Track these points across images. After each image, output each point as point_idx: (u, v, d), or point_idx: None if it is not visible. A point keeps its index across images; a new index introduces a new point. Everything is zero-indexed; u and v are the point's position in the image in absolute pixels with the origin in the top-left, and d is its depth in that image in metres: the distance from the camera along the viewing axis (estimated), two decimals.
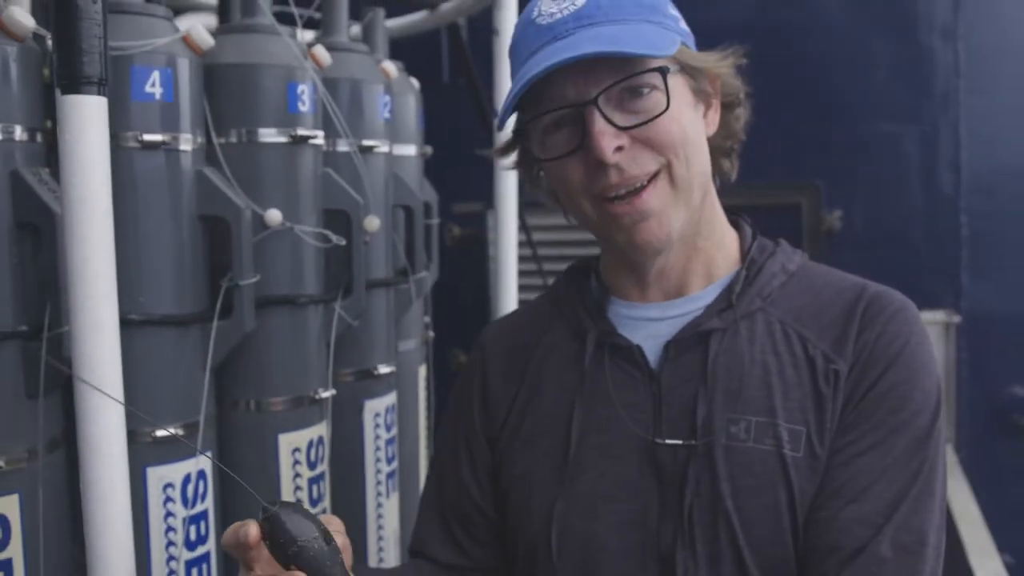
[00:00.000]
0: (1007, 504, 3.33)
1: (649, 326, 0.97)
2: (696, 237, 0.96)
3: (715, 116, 0.97)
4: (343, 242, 1.46)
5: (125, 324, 1.09)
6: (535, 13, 0.92)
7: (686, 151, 0.89)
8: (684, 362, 0.93)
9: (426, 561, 1.07)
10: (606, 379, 0.95)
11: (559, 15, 0.89)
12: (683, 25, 0.96)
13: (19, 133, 1.15)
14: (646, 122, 0.88)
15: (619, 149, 0.88)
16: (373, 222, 1.55)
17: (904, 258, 3.45)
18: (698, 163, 0.92)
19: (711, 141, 0.96)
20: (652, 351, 0.95)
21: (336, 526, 0.84)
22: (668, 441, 0.91)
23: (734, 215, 1.03)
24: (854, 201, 3.49)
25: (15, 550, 1.16)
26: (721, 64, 0.95)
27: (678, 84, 0.91)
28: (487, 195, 2.81)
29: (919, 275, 3.46)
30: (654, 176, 0.89)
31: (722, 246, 0.98)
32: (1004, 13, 3.46)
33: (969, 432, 3.46)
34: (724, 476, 0.88)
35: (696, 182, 0.91)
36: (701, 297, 0.96)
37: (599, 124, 0.87)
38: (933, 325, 3.43)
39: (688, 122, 0.91)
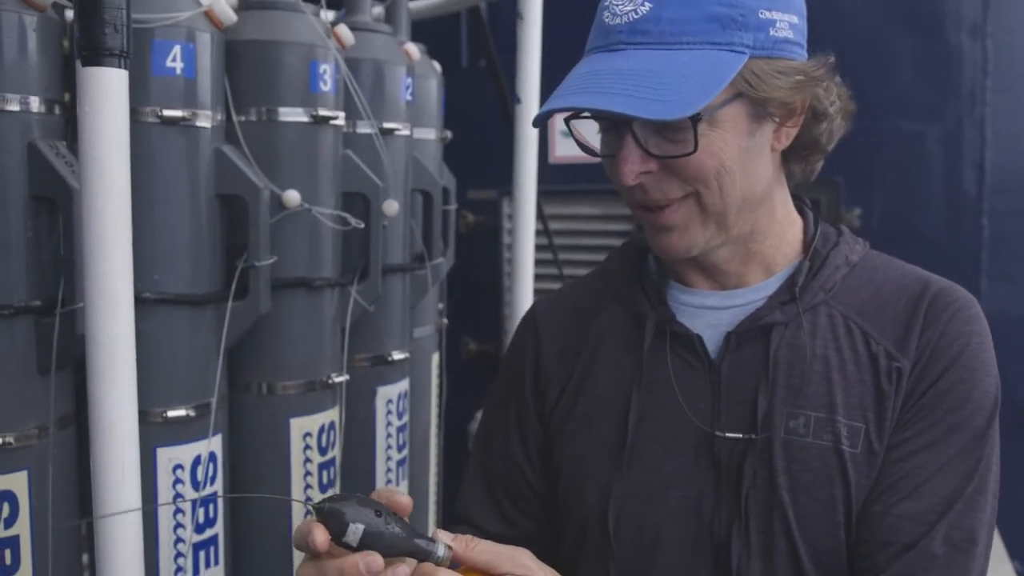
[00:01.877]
0: (1020, 509, 3.30)
1: (709, 315, 0.95)
2: (749, 242, 0.93)
3: (790, 130, 0.90)
4: (361, 225, 1.44)
5: (139, 302, 1.08)
6: (608, 2, 0.88)
7: (720, 181, 0.86)
8: (745, 354, 0.92)
9: (472, 528, 1.05)
10: (666, 367, 0.94)
11: (619, 19, 0.85)
12: (775, 27, 0.86)
13: (36, 105, 1.13)
14: (673, 157, 0.84)
15: (646, 173, 0.85)
16: (392, 206, 1.53)
17: (923, 258, 3.33)
18: (741, 188, 0.87)
19: (785, 150, 0.92)
20: (712, 340, 0.93)
21: (388, 496, 0.79)
22: (728, 434, 0.90)
23: (797, 199, 0.99)
24: (873, 199, 3.45)
25: (22, 527, 1.15)
26: (797, 88, 0.86)
27: (730, 113, 0.85)
28: (502, 182, 2.79)
29: (939, 275, 3.43)
30: (681, 197, 0.87)
31: (783, 242, 0.95)
32: None
33: None
34: (781, 470, 0.88)
35: (734, 206, 0.88)
36: (762, 288, 0.94)
37: (627, 149, 0.85)
38: None
39: (733, 152, 0.86)
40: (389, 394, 1.68)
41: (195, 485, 1.27)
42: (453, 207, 2.02)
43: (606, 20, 0.86)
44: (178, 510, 1.27)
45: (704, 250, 0.90)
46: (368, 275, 1.53)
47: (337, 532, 0.70)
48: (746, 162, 0.86)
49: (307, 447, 1.43)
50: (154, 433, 1.24)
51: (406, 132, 1.66)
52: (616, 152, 0.86)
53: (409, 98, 1.66)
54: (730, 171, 0.86)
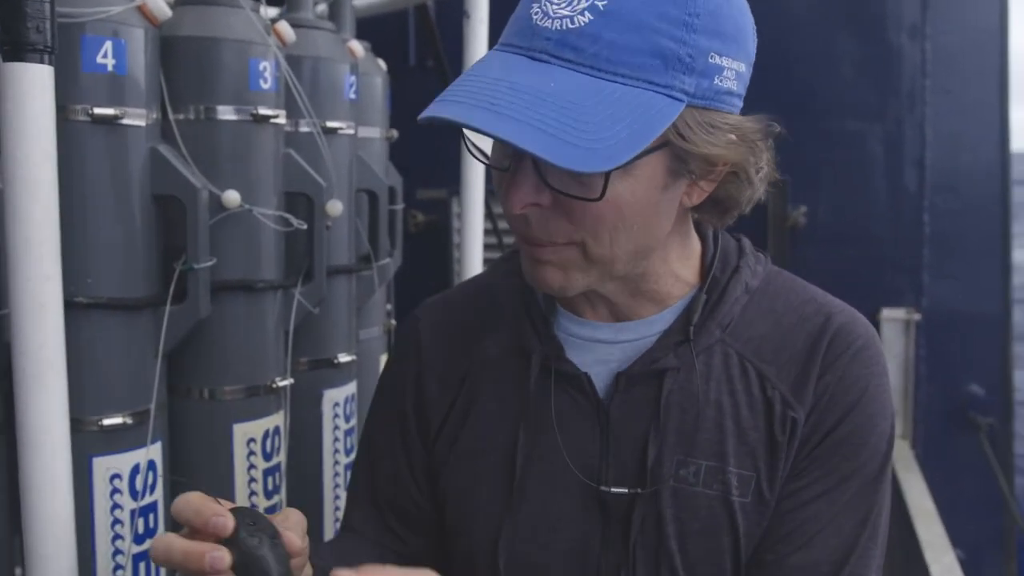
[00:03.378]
0: (961, 500, 3.37)
1: (599, 349, 0.89)
2: (639, 282, 0.86)
3: (705, 188, 0.81)
4: (304, 226, 1.41)
5: (71, 307, 1.04)
6: None
7: (614, 235, 0.77)
8: (635, 396, 0.86)
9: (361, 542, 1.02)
10: (550, 406, 0.88)
11: (551, 23, 0.72)
12: (720, 75, 0.76)
13: None
14: (573, 197, 0.74)
15: (535, 205, 0.76)
16: (336, 206, 1.50)
17: (867, 255, 3.47)
18: (636, 241, 0.79)
19: (697, 206, 0.84)
20: (602, 377, 0.88)
21: (294, 520, 0.79)
22: (614, 490, 0.86)
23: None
24: (819, 198, 3.51)
25: None
26: (727, 148, 0.77)
27: (649, 163, 0.75)
28: (452, 181, 2.77)
29: (881, 272, 3.49)
30: (565, 243, 0.79)
31: (676, 279, 0.88)
32: (971, 13, 3.48)
33: (925, 428, 3.50)
34: (670, 518, 0.84)
35: (623, 258, 0.80)
36: (656, 322, 0.88)
37: (523, 173, 0.75)
38: (894, 322, 3.46)
39: (639, 207, 0.77)
40: (336, 397, 1.65)
41: (133, 495, 1.23)
42: (400, 207, 2.00)
43: (534, 18, 0.74)
44: (116, 520, 1.23)
45: (587, 289, 0.83)
46: (312, 277, 1.50)
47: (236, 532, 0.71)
48: (650, 216, 0.79)
49: (251, 453, 1.40)
50: (89, 442, 1.20)
51: (350, 131, 1.63)
52: (510, 170, 0.76)
53: (353, 96, 1.63)
54: (628, 226, 0.77)
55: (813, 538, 0.83)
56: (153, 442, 1.25)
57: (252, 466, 1.41)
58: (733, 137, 0.77)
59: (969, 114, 3.44)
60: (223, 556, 0.70)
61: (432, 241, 3.77)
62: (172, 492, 1.34)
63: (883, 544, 0.86)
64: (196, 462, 1.38)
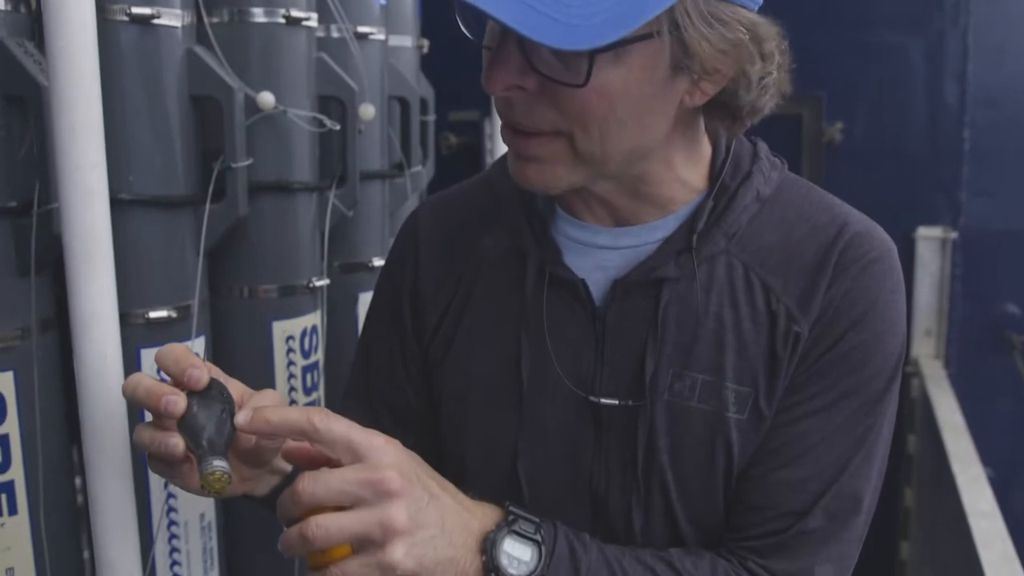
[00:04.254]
0: (994, 419, 3.37)
1: (598, 254, 0.85)
2: (637, 183, 0.81)
3: (709, 88, 0.75)
4: (337, 127, 1.43)
5: (115, 204, 1.08)
6: None
7: (604, 129, 0.72)
8: (632, 305, 0.83)
9: None
10: (544, 313, 0.85)
11: None
12: None
13: (3, 3, 1.11)
14: (557, 82, 0.69)
15: (519, 88, 0.71)
16: (368, 110, 1.52)
17: (904, 173, 3.41)
18: (630, 140, 0.74)
19: (706, 109, 0.79)
20: (599, 284, 0.84)
21: (268, 399, 0.78)
22: (606, 401, 0.83)
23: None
24: (856, 113, 3.44)
25: (11, 426, 1.16)
26: (733, 48, 0.71)
27: (644, 51, 0.69)
28: (484, 103, 2.76)
29: (918, 190, 3.44)
30: (551, 133, 0.74)
31: (682, 185, 0.83)
32: None
33: (959, 348, 3.48)
34: (662, 431, 0.82)
35: (616, 157, 0.75)
36: (658, 228, 0.83)
37: (506, 52, 0.70)
38: (930, 241, 3.43)
39: (632, 100, 0.71)
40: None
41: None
42: (432, 118, 2.01)
43: None
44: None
45: (572, 187, 0.78)
46: (346, 180, 1.53)
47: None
48: (644, 113, 0.73)
49: (290, 350, 1.45)
50: (137, 334, 1.25)
51: (381, 37, 1.64)
52: (494, 49, 0.72)
53: (383, 2, 1.64)
54: (621, 120, 0.72)
55: (803, 455, 0.80)
56: (197, 336, 1.30)
57: (291, 363, 1.46)
58: (741, 35, 0.70)
59: (1015, 24, 3.33)
60: (178, 401, 0.71)
61: (465, 164, 3.77)
62: None
63: (881, 471, 0.82)
64: (237, 358, 1.43)
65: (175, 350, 0.75)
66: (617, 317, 0.83)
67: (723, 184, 0.82)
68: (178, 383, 0.74)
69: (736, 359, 0.81)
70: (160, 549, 1.34)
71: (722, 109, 0.79)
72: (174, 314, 1.26)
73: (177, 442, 0.72)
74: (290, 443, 0.80)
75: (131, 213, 1.23)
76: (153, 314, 1.24)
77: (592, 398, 0.84)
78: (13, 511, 1.18)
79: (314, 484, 0.68)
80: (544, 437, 0.87)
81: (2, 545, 1.18)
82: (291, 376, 1.46)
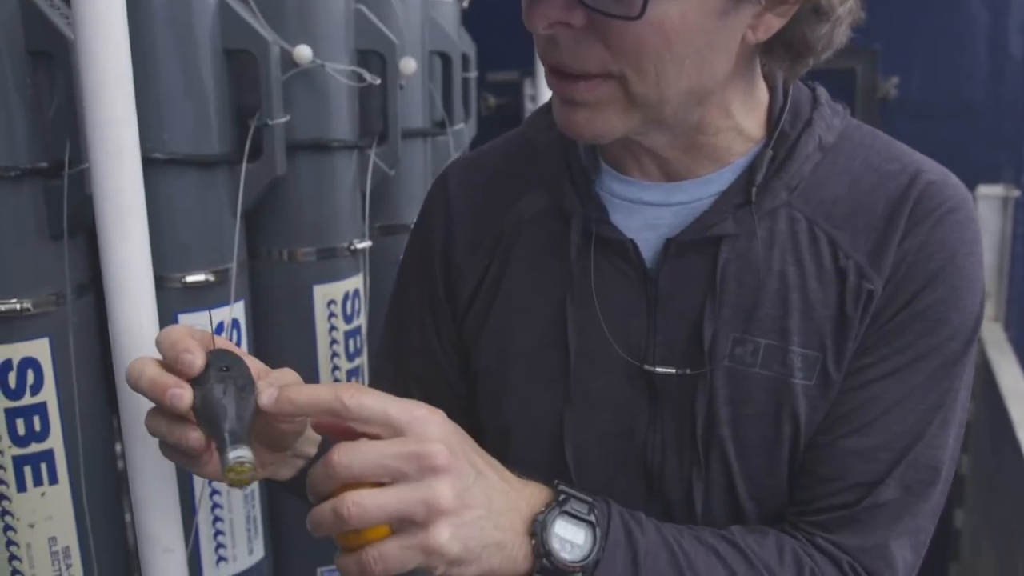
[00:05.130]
0: None
1: (647, 212, 0.78)
2: (693, 134, 0.75)
3: (774, 21, 0.69)
4: (377, 81, 1.37)
5: (149, 163, 1.03)
6: None
7: (660, 68, 0.65)
8: (687, 264, 0.76)
9: None
10: (591, 277, 0.79)
11: None
12: None
13: None
14: (608, 15, 0.63)
15: (564, 25, 0.65)
16: (409, 64, 1.45)
17: (963, 129, 3.28)
18: (688, 80, 0.67)
19: (764, 48, 0.73)
20: (650, 245, 0.78)
21: (287, 379, 0.71)
22: (660, 370, 0.77)
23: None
24: (913, 67, 3.31)
25: (49, 394, 1.13)
26: None
27: None
28: (524, 63, 2.68)
29: (978, 147, 3.30)
30: (602, 75, 0.67)
31: (739, 133, 0.77)
32: None
33: (1020, 310, 3.36)
34: (723, 400, 0.76)
35: (674, 100, 0.68)
36: (713, 181, 0.77)
37: None
38: (990, 199, 3.30)
39: (691, 35, 0.65)
40: None
41: None
42: (473, 74, 1.94)
43: None
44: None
45: (623, 136, 0.72)
46: (387, 138, 1.47)
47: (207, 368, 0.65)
48: (704, 50, 0.66)
49: (332, 315, 1.41)
50: (174, 299, 1.21)
51: None
52: None
53: None
54: (678, 58, 0.65)
55: (874, 421, 0.74)
56: (236, 300, 1.26)
57: (333, 328, 1.42)
58: None
59: None
60: (183, 395, 0.63)
61: (504, 125, 3.69)
62: (258, 352, 1.36)
63: (958, 437, 0.76)
64: (278, 323, 1.39)
65: (172, 333, 0.68)
66: (671, 279, 0.77)
67: (783, 132, 0.76)
68: (172, 371, 0.66)
69: (802, 320, 0.74)
70: (203, 518, 1.31)
71: (784, 47, 0.71)
72: (211, 278, 1.22)
73: (197, 436, 0.65)
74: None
75: (165, 173, 1.19)
76: (190, 278, 1.20)
77: (646, 367, 0.78)
78: (54, 480, 1.16)
79: (351, 456, 0.61)
80: (593, 410, 0.80)
81: (44, 514, 1.16)
82: (333, 342, 1.42)
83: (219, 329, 1.25)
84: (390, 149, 1.48)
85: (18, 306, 1.08)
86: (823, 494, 0.75)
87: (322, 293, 1.39)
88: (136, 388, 0.67)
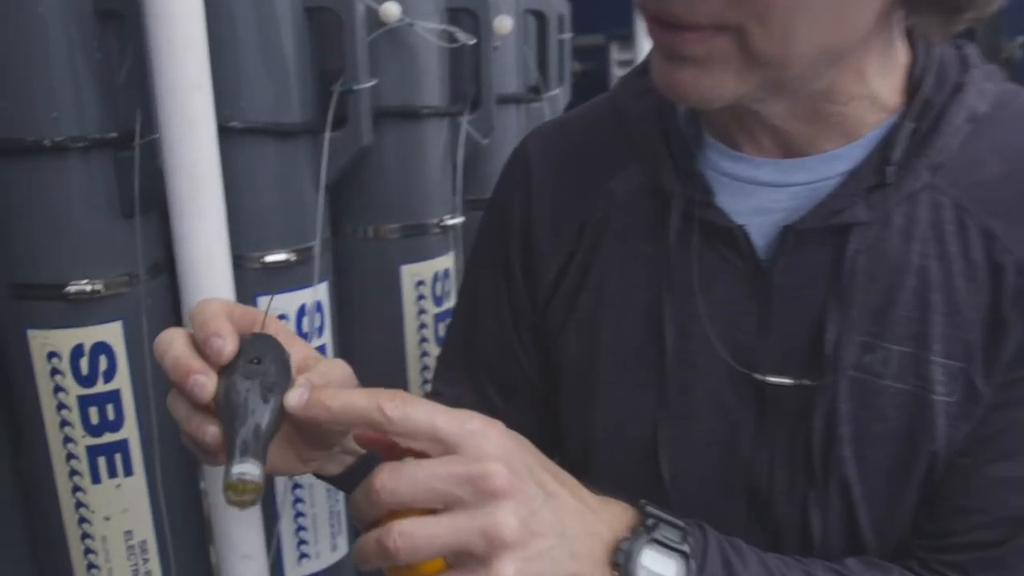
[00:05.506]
0: None
1: (760, 193, 0.67)
2: (820, 102, 0.63)
3: None
4: (472, 40, 1.25)
5: (225, 133, 0.94)
6: None
7: (789, 23, 0.54)
8: (807, 257, 0.65)
9: None
10: (693, 268, 0.69)
11: None
12: None
13: None
14: None
15: None
16: (505, 22, 1.33)
17: None
18: (822, 38, 0.56)
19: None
20: (762, 231, 0.66)
21: (335, 375, 0.61)
22: (773, 380, 0.66)
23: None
24: None
25: (122, 381, 1.06)
26: None
27: None
28: (611, 25, 2.54)
29: None
30: (716, 27, 0.56)
31: (874, 101, 0.64)
32: None
33: None
34: (846, 416, 0.64)
35: (802, 60, 0.57)
36: (840, 158, 0.65)
37: None
38: None
39: None
40: None
41: (302, 337, 1.15)
42: (568, 36, 1.81)
43: None
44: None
45: (735, 102, 0.59)
46: (480, 104, 1.35)
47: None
48: (843, 2, 0.56)
49: (420, 296, 1.30)
50: (253, 280, 1.12)
51: None
52: None
53: None
54: (813, 9, 0.53)
55: None
56: (320, 281, 1.16)
57: (422, 311, 1.31)
58: None
59: None
60: (206, 384, 0.55)
61: (590, 92, 3.55)
62: (341, 336, 1.27)
63: None
64: (363, 305, 1.30)
65: (206, 309, 0.58)
66: (787, 272, 0.65)
67: (926, 101, 0.63)
68: (200, 354, 0.57)
69: (946, 325, 0.62)
70: (285, 514, 1.23)
71: (936, 3, 0.57)
72: (293, 257, 1.13)
73: (215, 432, 0.55)
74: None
75: (242, 144, 1.09)
76: (270, 258, 1.11)
77: (756, 375, 0.66)
78: (128, 472, 1.09)
79: (396, 479, 0.52)
80: (692, 420, 0.69)
81: (119, 507, 1.10)
82: (422, 326, 1.32)
83: (300, 313, 1.15)
84: (484, 116, 1.36)
85: (89, 287, 1.00)
86: (962, 529, 0.63)
87: (410, 273, 1.28)
88: (160, 361, 0.58)
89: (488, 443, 0.53)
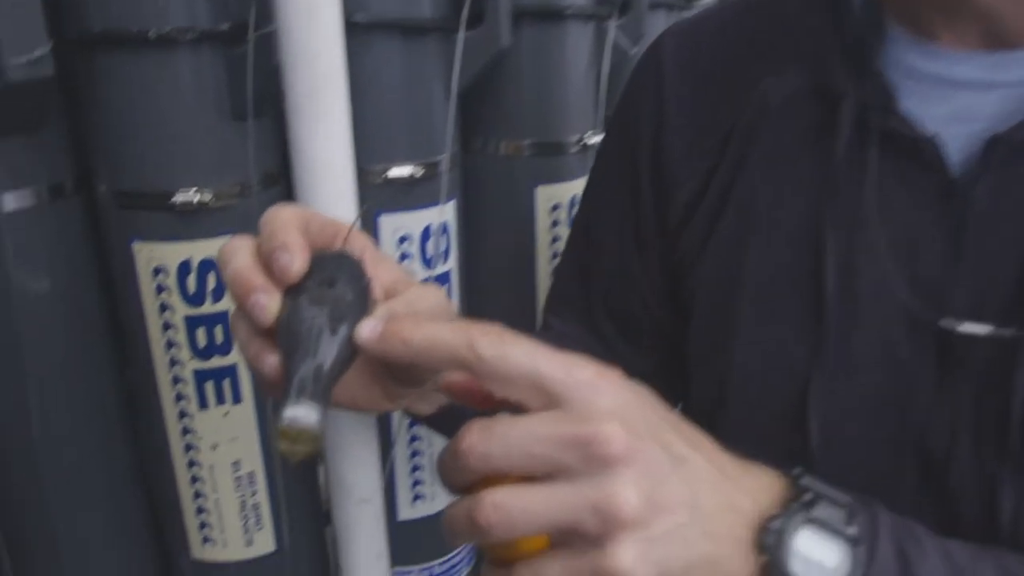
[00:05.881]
0: None
1: (958, 97, 0.55)
2: None
3: None
4: None
5: (348, 29, 0.82)
6: None
7: None
8: (1018, 176, 0.53)
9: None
10: (865, 186, 0.56)
11: None
12: None
13: None
14: None
15: None
16: None
17: None
18: None
19: None
20: (959, 142, 0.54)
21: (426, 303, 0.50)
22: (964, 328, 0.54)
23: None
24: None
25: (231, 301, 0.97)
26: None
27: None
28: None
29: None
30: None
31: None
32: None
33: None
34: None
35: None
36: None
37: None
38: None
39: None
40: None
41: (426, 262, 1.04)
42: None
43: None
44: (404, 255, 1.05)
45: None
46: (631, 6, 1.19)
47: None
48: None
49: (555, 223, 1.17)
50: (374, 197, 1.01)
51: None
52: None
53: None
54: None
55: None
56: (447, 200, 1.04)
57: (556, 239, 1.18)
58: None
59: None
60: (267, 306, 0.45)
61: None
62: (466, 263, 1.15)
63: None
64: (491, 230, 1.17)
65: (276, 217, 0.48)
66: (991, 195, 0.52)
67: None
68: (266, 270, 0.47)
69: None
70: (400, 452, 1.14)
71: None
72: (419, 172, 1.00)
73: (274, 363, 0.46)
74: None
75: (367, 42, 0.97)
76: (394, 172, 0.99)
77: (942, 322, 0.53)
78: (237, 399, 1.01)
79: (488, 440, 0.41)
80: (854, 371, 0.57)
81: (227, 436, 1.02)
82: (555, 255, 1.19)
83: (425, 236, 1.03)
84: (633, 21, 1.20)
85: (197, 198, 0.91)
86: None
87: (545, 195, 1.15)
88: (222, 270, 0.48)
89: (602, 397, 0.41)
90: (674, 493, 0.41)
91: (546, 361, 0.41)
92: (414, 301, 0.49)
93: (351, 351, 0.44)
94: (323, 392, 0.42)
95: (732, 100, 0.61)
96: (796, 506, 0.45)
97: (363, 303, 0.45)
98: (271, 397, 0.54)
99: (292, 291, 0.45)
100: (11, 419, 0.96)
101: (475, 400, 0.46)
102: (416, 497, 1.17)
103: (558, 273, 0.78)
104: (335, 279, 0.45)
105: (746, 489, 0.45)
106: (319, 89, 0.72)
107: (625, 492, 0.40)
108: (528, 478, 0.40)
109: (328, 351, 0.43)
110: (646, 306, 0.70)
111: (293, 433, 0.41)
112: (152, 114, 0.89)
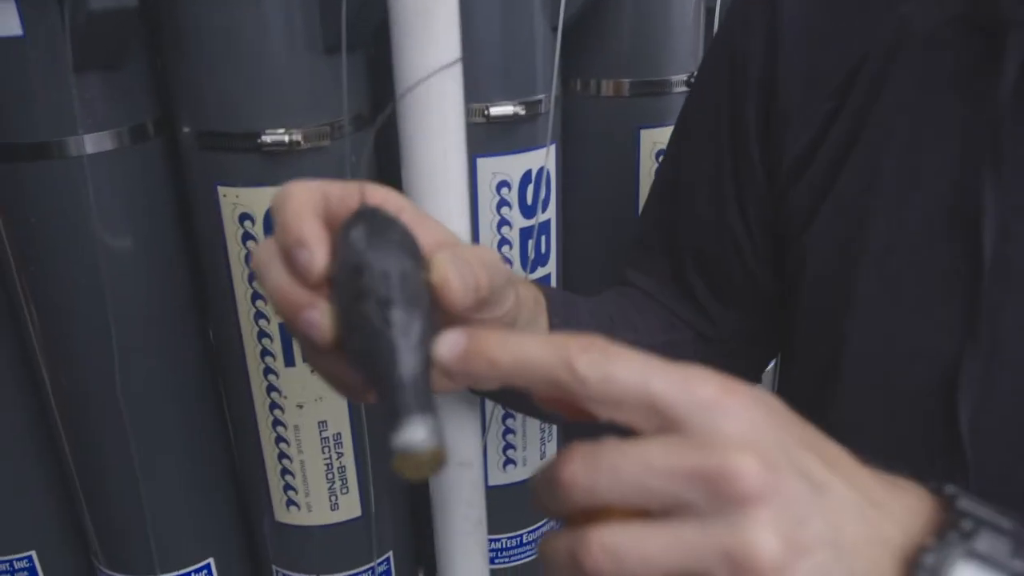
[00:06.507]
0: None
1: None
2: None
3: None
4: None
5: None
6: None
7: None
8: None
9: (634, 333, 0.66)
10: None
11: None
12: None
13: None
14: None
15: None
16: None
17: None
18: None
19: None
20: None
21: (479, 259, 0.41)
22: None
23: None
24: None
25: None
26: None
27: None
28: None
29: None
30: None
31: None
32: None
33: None
34: None
35: None
36: None
37: None
38: None
39: None
40: None
41: (525, 211, 0.97)
42: None
43: None
44: (504, 241, 0.98)
45: None
46: None
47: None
48: None
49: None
50: (472, 138, 0.93)
51: None
52: None
53: None
54: None
55: None
56: (550, 142, 0.96)
57: None
58: None
59: None
60: (320, 324, 0.38)
61: None
62: (565, 212, 1.07)
63: None
64: (593, 176, 1.09)
65: (287, 204, 0.40)
66: None
67: None
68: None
69: None
70: (492, 417, 1.08)
71: None
72: (521, 111, 0.92)
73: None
74: None
75: None
76: (496, 110, 0.91)
77: None
78: None
79: (594, 472, 0.34)
80: (1011, 361, 0.49)
81: (313, 394, 0.97)
82: None
83: (524, 181, 0.96)
84: None
85: (286, 138, 0.84)
86: None
87: (650, 139, 1.07)
88: (256, 272, 0.41)
89: (729, 420, 0.34)
90: (816, 531, 0.34)
91: (660, 378, 0.34)
92: (471, 258, 0.41)
93: (428, 349, 0.36)
94: (424, 396, 0.35)
95: (862, 28, 0.52)
96: (954, 536, 0.37)
97: (416, 274, 0.37)
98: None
99: (335, 288, 0.37)
100: (95, 374, 0.91)
101: (569, 412, 0.39)
102: (507, 461, 1.11)
103: (641, 223, 0.70)
104: (373, 259, 0.37)
105: (893, 515, 0.38)
106: (420, 18, 0.65)
107: (762, 537, 0.33)
108: (640, 513, 0.34)
109: (407, 355, 0.35)
110: (743, 265, 0.63)
111: (413, 456, 0.34)
112: (235, 47, 0.83)
